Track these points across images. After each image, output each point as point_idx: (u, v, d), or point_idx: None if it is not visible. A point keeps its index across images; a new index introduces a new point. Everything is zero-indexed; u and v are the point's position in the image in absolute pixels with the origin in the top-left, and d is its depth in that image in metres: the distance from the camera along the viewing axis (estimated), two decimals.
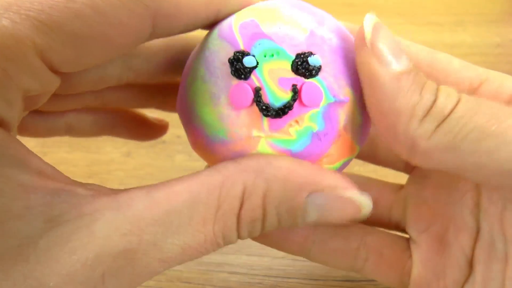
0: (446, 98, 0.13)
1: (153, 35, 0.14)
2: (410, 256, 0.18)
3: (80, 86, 0.16)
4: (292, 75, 0.14)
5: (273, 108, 0.14)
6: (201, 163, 0.19)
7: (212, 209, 0.12)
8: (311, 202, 0.13)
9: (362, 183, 0.17)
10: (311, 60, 0.14)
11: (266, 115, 0.14)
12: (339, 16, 0.17)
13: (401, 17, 0.54)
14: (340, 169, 0.16)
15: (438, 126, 0.13)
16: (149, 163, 0.30)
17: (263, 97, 0.14)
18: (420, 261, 0.18)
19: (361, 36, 0.14)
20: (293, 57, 0.14)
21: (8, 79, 0.11)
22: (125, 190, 0.13)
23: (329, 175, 0.14)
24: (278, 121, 0.14)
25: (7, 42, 0.11)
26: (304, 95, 0.14)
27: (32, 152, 0.13)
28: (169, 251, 0.12)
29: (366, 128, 0.16)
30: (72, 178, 0.13)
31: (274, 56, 0.14)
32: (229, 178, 0.13)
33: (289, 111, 0.14)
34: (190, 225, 0.12)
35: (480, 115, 0.12)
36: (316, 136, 0.14)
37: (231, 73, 0.14)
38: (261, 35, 0.14)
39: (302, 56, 0.14)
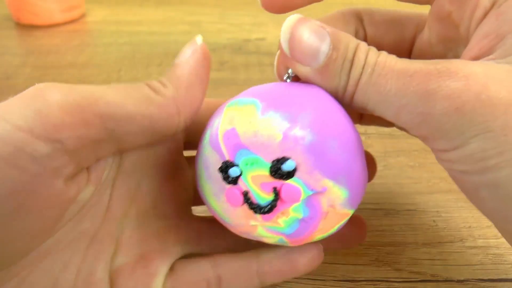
0: (355, 71, 0.17)
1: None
2: None
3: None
4: (271, 179, 0.16)
5: (261, 207, 0.16)
6: None
7: None
8: None
9: None
10: (285, 166, 0.16)
11: (256, 212, 0.16)
12: None
13: None
14: (336, 231, 0.18)
15: (353, 96, 0.17)
16: None
17: (251, 199, 0.16)
18: None
19: (282, 48, 0.17)
20: (269, 164, 0.16)
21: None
22: None
23: None
24: (268, 215, 0.16)
25: None
26: (284, 195, 0.16)
27: None
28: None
29: (355, 196, 0.17)
30: None
31: (254, 164, 0.16)
32: None
33: (275, 208, 0.16)
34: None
35: (372, 85, 0.16)
36: (302, 221, 0.17)
37: (222, 179, 0.17)
38: (241, 146, 0.16)
39: (276, 163, 0.16)
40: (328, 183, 0.16)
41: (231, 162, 0.16)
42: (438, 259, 0.24)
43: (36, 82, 0.15)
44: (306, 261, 0.19)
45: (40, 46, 0.48)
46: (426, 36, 0.21)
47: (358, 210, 0.27)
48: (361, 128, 0.34)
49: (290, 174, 0.16)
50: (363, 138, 0.33)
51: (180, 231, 0.21)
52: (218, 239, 0.21)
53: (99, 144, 0.16)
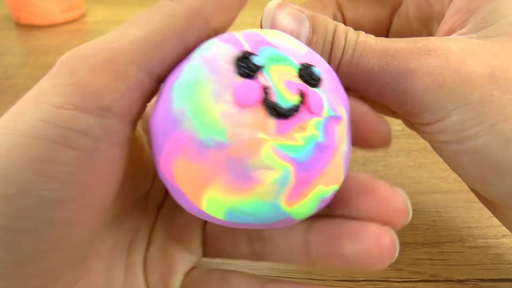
0: (336, 52, 0.17)
1: None
2: None
3: None
4: (298, 80, 0.14)
5: (282, 108, 0.13)
6: None
7: None
8: None
9: None
10: (315, 70, 0.14)
11: (273, 115, 0.13)
12: None
13: None
14: (329, 198, 0.16)
15: (338, 66, 0.17)
16: None
17: (270, 97, 0.13)
18: None
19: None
20: (298, 65, 0.14)
21: None
22: None
23: None
24: (284, 124, 0.13)
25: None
26: (311, 100, 0.14)
27: None
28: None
29: (347, 161, 0.16)
30: None
31: (281, 61, 0.14)
32: None
33: (296, 115, 0.14)
34: None
35: (354, 65, 0.17)
36: (318, 147, 0.14)
37: (238, 72, 0.14)
38: (266, 43, 0.14)
39: (307, 65, 0.14)
40: (344, 112, 0.15)
41: (253, 53, 0.14)
42: (438, 259, 0.24)
43: (36, 82, 0.15)
44: None
45: (40, 46, 0.48)
46: (404, 15, 0.22)
47: None
48: None
49: (318, 82, 0.14)
50: None
51: (203, 231, 0.20)
52: (234, 245, 0.20)
53: (144, 91, 0.15)
